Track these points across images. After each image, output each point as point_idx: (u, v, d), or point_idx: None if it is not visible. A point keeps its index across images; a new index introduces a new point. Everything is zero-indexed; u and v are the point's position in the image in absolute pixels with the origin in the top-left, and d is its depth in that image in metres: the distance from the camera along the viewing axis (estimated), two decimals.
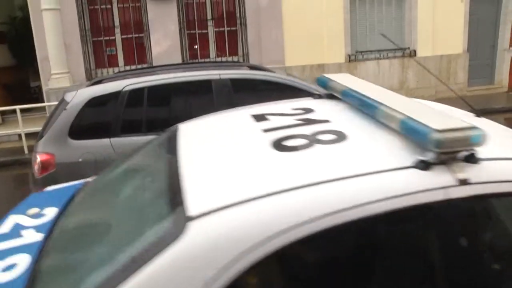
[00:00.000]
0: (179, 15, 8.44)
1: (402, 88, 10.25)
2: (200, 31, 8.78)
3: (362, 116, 1.84)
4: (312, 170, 1.41)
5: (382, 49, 10.09)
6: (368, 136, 1.67)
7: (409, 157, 1.40)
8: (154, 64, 7.97)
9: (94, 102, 3.70)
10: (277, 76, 4.04)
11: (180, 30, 8.51)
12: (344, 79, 2.24)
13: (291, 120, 1.90)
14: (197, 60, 8.61)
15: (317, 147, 1.56)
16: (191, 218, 1.24)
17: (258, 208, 1.26)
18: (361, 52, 9.91)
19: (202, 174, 1.56)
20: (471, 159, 1.37)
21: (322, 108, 2.09)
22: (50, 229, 1.94)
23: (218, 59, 8.65)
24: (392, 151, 1.50)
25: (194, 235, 1.20)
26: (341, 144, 1.58)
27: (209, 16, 8.79)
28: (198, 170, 1.61)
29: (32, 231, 1.96)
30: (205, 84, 3.83)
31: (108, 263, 1.34)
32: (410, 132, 1.45)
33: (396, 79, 10.24)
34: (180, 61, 8.37)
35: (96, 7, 8.25)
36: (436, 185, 1.32)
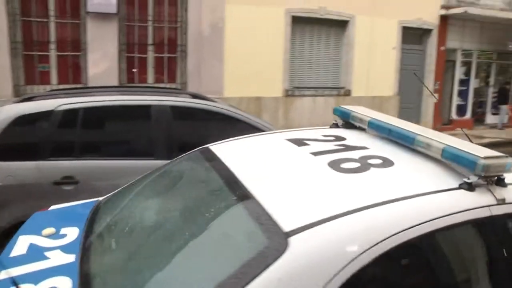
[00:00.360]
0: (119, 37, 8.32)
1: None
2: (139, 55, 8.68)
3: (393, 143, 2.11)
4: (382, 190, 1.60)
5: (318, 86, 10.62)
6: (410, 161, 1.91)
7: (454, 180, 1.66)
8: (90, 85, 7.76)
9: (22, 121, 3.43)
10: (220, 107, 3.99)
11: (119, 52, 8.36)
12: (362, 111, 2.50)
13: (330, 146, 2.11)
14: (135, 84, 8.47)
15: (372, 170, 1.77)
16: (291, 234, 1.35)
17: (349, 222, 1.40)
18: (298, 88, 10.34)
19: (276, 193, 1.67)
20: (501, 182, 1.66)
21: (351, 136, 2.32)
22: (84, 249, 1.88)
23: (156, 85, 8.51)
24: (438, 175, 1.74)
25: (298, 248, 1.31)
26: (392, 168, 1.81)
27: (150, 41, 8.75)
28: (270, 189, 1.71)
29: (58, 252, 1.90)
30: (144, 110, 3.72)
31: (198, 281, 1.38)
32: (454, 158, 1.70)
33: (330, 116, 10.63)
34: (117, 84, 8.19)
35: (30, 19, 7.82)
36: (482, 203, 1.57)
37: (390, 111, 11.74)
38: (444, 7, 12.42)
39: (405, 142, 2.00)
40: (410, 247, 1.45)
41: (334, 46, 10.90)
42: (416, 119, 12.75)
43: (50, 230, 2.11)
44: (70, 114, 3.52)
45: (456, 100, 14.06)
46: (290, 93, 10.14)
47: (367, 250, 1.33)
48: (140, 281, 1.54)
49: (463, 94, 14.34)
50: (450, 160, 1.73)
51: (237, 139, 2.51)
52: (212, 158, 2.19)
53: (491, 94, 15.32)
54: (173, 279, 1.50)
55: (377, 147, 2.07)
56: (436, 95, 12.87)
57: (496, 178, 1.64)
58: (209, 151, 2.33)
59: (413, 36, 12.27)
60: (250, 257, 1.33)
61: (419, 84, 12.59)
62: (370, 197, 1.51)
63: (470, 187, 1.59)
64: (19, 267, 1.79)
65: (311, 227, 1.36)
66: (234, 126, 3.87)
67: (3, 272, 1.70)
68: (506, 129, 14.83)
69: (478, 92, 15.07)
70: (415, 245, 1.48)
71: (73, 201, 2.97)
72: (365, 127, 2.35)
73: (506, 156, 1.62)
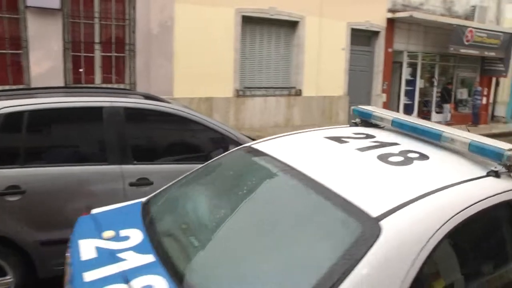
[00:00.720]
0: (64, 34, 8.06)
1: (288, 125, 11.02)
2: (86, 54, 8.47)
3: (417, 139, 2.37)
4: (433, 178, 1.88)
5: (269, 86, 10.82)
6: (440, 155, 2.18)
7: (481, 169, 1.97)
8: (33, 85, 7.47)
9: None
10: (175, 108, 3.84)
11: (64, 50, 8.11)
12: (380, 110, 2.76)
13: (367, 143, 2.33)
14: (83, 85, 8.18)
15: (415, 162, 2.04)
16: (380, 218, 1.57)
17: (424, 204, 1.66)
18: (249, 88, 10.50)
19: (346, 184, 1.87)
20: None
21: (378, 134, 2.54)
22: (161, 248, 1.93)
23: (105, 86, 8.25)
24: (467, 165, 2.04)
25: (390, 231, 1.53)
26: (429, 161, 2.08)
27: (96, 39, 8.56)
28: (339, 181, 1.90)
29: (132, 253, 1.93)
30: (96, 112, 3.49)
31: (305, 268, 1.55)
32: (480, 151, 2.00)
33: (281, 116, 10.99)
34: (62, 84, 7.95)
35: None
36: (509, 188, 1.87)
37: (340, 110, 12.17)
38: (390, 10, 13.02)
39: (431, 138, 2.28)
40: (469, 223, 1.71)
41: (285, 47, 11.16)
42: None
43: (110, 233, 2.13)
44: (14, 118, 3.26)
45: (403, 100, 14.78)
46: (241, 93, 10.27)
47: (442, 226, 1.59)
48: (242, 273, 1.68)
49: (409, 94, 15.10)
50: (476, 153, 2.03)
51: (276, 137, 2.65)
52: (264, 155, 2.33)
53: (435, 93, 16.20)
54: (277, 269, 1.62)
55: (407, 143, 2.32)
56: (384, 95, 13.44)
57: None
58: (255, 149, 2.47)
59: (361, 37, 12.78)
60: (351, 242, 1.53)
61: (368, 84, 13.13)
62: (428, 185, 1.78)
63: (496, 174, 1.91)
64: (99, 269, 1.83)
65: (395, 211, 1.61)
66: (190, 128, 3.89)
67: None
68: (449, 126, 15.67)
69: (424, 92, 15.92)
70: (471, 222, 1.73)
71: (19, 213, 3.09)
72: (387, 125, 2.60)
73: None
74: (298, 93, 11.24)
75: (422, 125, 2.38)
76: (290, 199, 1.98)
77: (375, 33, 12.98)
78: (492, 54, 16.17)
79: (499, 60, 16.92)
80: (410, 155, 2.12)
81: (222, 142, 3.89)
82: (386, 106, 13.63)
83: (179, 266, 1.80)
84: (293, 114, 11.24)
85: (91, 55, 8.54)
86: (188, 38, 9.28)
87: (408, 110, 15.02)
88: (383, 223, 1.55)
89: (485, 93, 17.69)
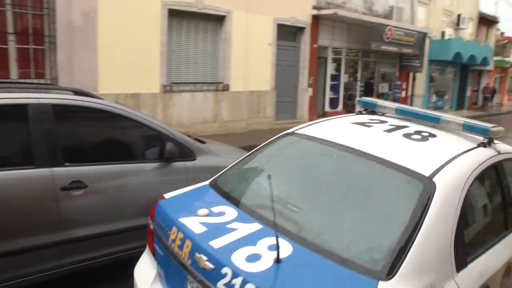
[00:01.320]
0: None
1: (216, 121, 11.25)
2: None
3: (419, 123, 3.00)
4: (449, 148, 2.57)
5: (196, 81, 10.96)
6: (442, 133, 2.83)
7: (474, 142, 2.69)
8: None
9: None
10: (107, 104, 3.69)
11: None
12: (381, 102, 3.35)
13: (386, 126, 2.90)
14: (1, 80, 7.73)
15: (430, 139, 2.67)
16: (431, 176, 2.25)
17: (456, 163, 2.37)
18: (176, 83, 10.55)
19: (393, 155, 2.45)
20: (494, 142, 2.77)
21: (388, 120, 3.10)
22: (260, 217, 2.32)
23: (27, 81, 7.68)
24: (465, 139, 2.75)
25: (441, 183, 2.21)
26: (438, 138, 2.72)
27: (10, 29, 8.07)
28: (387, 153, 2.48)
29: (238, 224, 2.28)
30: (20, 110, 3.23)
31: (388, 219, 2.16)
32: (472, 129, 2.71)
33: (209, 112, 11.17)
34: None
35: None
36: (495, 153, 2.68)
37: (267, 105, 12.60)
38: (315, 7, 13.68)
39: (431, 121, 2.93)
40: (482, 176, 2.54)
41: (212, 41, 11.34)
42: (293, 113, 13.85)
43: (204, 211, 2.44)
44: None
45: (328, 94, 15.58)
46: (168, 88, 10.29)
47: (468, 179, 2.34)
48: (341, 228, 2.20)
49: (334, 88, 15.97)
50: (468, 130, 2.75)
51: (310, 124, 3.14)
52: (317, 139, 2.84)
53: (359, 87, 17.23)
54: (368, 221, 2.18)
55: (414, 126, 2.93)
56: (310, 89, 14.07)
57: (493, 139, 2.73)
58: (304, 134, 2.96)
59: (287, 33, 13.31)
60: (419, 195, 2.16)
61: (294, 79, 13.68)
62: (448, 153, 2.47)
63: (484, 145, 2.67)
64: (220, 238, 2.15)
65: (439, 171, 2.28)
66: (124, 125, 3.79)
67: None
68: None
69: (348, 86, 16.90)
70: (480, 177, 2.53)
71: None
72: (391, 113, 3.23)
73: (499, 126, 2.72)
74: (226, 88, 11.48)
75: (422, 111, 3.05)
76: (360, 169, 2.48)
77: (301, 29, 13.56)
78: (409, 51, 17.52)
79: (415, 57, 18.41)
80: (423, 134, 2.77)
81: (158, 139, 3.89)
82: (313, 100, 14.32)
83: (290, 228, 2.21)
84: (221, 110, 11.46)
85: (5, 46, 8.04)
86: (114, 31, 9.10)
87: (333, 103, 15.86)
88: (435, 179, 2.23)
89: (404, 87, 19.11)
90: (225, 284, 1.94)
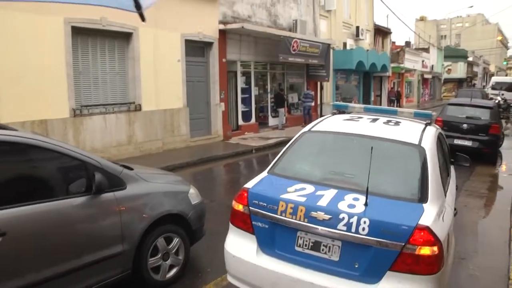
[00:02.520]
0: None
1: (131, 143, 11.17)
2: None
3: (384, 116, 4.45)
4: (415, 128, 4.05)
5: (107, 103, 10.82)
6: (403, 120, 4.30)
7: (423, 123, 4.23)
8: None
9: None
10: (22, 136, 3.41)
11: None
12: (351, 104, 4.92)
13: (366, 119, 4.27)
14: None
15: (401, 124, 4.13)
16: (419, 143, 3.70)
17: (427, 132, 3.98)
18: (86, 106, 10.30)
19: (390, 135, 3.84)
20: (432, 122, 4.46)
21: (361, 116, 4.45)
22: (330, 185, 3.46)
23: None
24: (418, 122, 4.26)
25: (425, 146, 3.69)
26: (404, 122, 4.18)
27: None
28: (386, 135, 3.85)
29: (321, 192, 3.36)
30: None
31: (406, 174, 3.57)
32: (420, 115, 4.37)
33: (123, 134, 11.07)
34: None
35: None
36: (437, 128, 4.39)
37: (181, 122, 12.72)
38: (222, 22, 14.20)
39: (391, 113, 4.57)
40: (438, 141, 4.11)
41: (120, 60, 11.27)
42: (207, 129, 14.14)
43: (292, 188, 3.44)
44: None
45: (241, 107, 16.10)
46: (78, 112, 10.00)
47: (435, 141, 3.93)
48: (384, 181, 3.46)
49: (246, 101, 16.57)
50: (418, 116, 4.38)
51: (317, 123, 4.37)
52: (328, 132, 4.16)
53: (269, 99, 17.99)
54: (393, 177, 3.56)
55: (382, 118, 4.36)
56: (222, 104, 14.45)
57: (432, 121, 4.39)
58: (315, 131, 4.23)
59: (196, 48, 13.68)
60: (419, 156, 3.56)
61: (206, 95, 13.99)
62: (417, 130, 3.95)
63: (430, 124, 4.25)
64: (319, 201, 3.23)
65: (421, 140, 3.73)
66: (43, 157, 3.52)
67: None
68: (286, 128, 17.65)
69: (259, 99, 17.60)
70: (438, 141, 4.13)
71: None
72: (360, 111, 4.75)
73: (434, 111, 4.82)
74: (138, 108, 11.43)
75: (382, 107, 4.85)
76: (375, 145, 3.54)
77: (209, 44, 13.96)
78: (315, 61, 18.73)
79: (321, 67, 19.72)
80: (393, 121, 4.21)
81: (83, 169, 3.64)
82: (226, 114, 14.72)
83: (355, 187, 3.36)
84: (135, 131, 11.37)
85: None
86: (15, 51, 8.69)
87: (246, 117, 16.43)
88: (422, 145, 3.67)
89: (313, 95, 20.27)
90: (345, 224, 3.07)
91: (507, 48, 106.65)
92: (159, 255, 4.23)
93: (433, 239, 2.92)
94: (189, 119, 13.12)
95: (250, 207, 3.45)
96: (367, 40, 28.01)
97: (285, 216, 3.25)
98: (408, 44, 41.02)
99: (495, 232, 6.32)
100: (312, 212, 3.15)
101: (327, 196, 3.28)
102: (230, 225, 3.65)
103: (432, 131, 4.02)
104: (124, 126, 11.08)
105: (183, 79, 12.88)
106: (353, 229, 3.03)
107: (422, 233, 2.91)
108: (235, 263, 3.51)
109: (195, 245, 4.74)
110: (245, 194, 3.53)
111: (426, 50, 44.64)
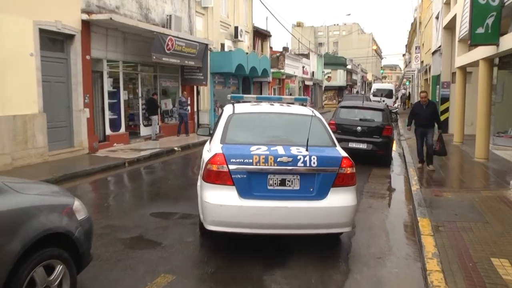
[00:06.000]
0: None
1: None
2: None
3: (274, 102, 7.04)
4: (304, 109, 6.69)
5: None
6: (290, 104, 7.03)
7: (307, 107, 7.05)
8: None
9: None
10: None
11: None
12: (246, 95, 7.44)
13: (266, 104, 6.85)
14: None
15: (293, 107, 6.77)
16: (313, 115, 6.30)
17: (316, 113, 6.59)
18: None
19: (293, 111, 6.56)
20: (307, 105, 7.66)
21: (259, 104, 6.86)
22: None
23: None
24: (299, 105, 7.10)
25: (316, 115, 6.51)
26: (293, 106, 6.87)
27: None
28: (289, 111, 6.55)
29: (276, 147, 5.44)
30: None
31: (314, 134, 5.81)
32: (298, 99, 7.25)
33: None
34: None
35: None
36: (310, 109, 6.68)
37: (37, 132, 11.67)
38: (85, 11, 13.45)
39: (278, 100, 7.19)
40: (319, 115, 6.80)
41: None
42: (70, 139, 13.35)
43: (254, 147, 5.38)
44: None
45: (108, 114, 15.37)
46: None
47: (316, 115, 6.47)
48: (297, 139, 5.66)
49: (114, 107, 15.96)
50: (297, 101, 7.16)
51: (236, 108, 6.35)
52: (249, 113, 6.37)
53: (141, 105, 17.49)
54: (306, 136, 5.48)
55: (275, 104, 6.85)
56: (87, 109, 13.65)
57: (307, 104, 7.38)
58: (238, 113, 6.18)
59: (54, 41, 12.86)
60: (316, 121, 6.11)
61: (67, 98, 13.10)
62: (307, 110, 6.50)
63: (305, 106, 7.07)
64: (279, 151, 5.31)
65: (313, 113, 6.25)
66: None
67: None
68: (160, 139, 17.33)
69: (129, 104, 17.04)
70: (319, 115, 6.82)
71: None
72: (253, 100, 7.03)
73: (307, 96, 7.42)
74: None
75: (270, 96, 7.53)
76: (288, 118, 6.35)
77: (70, 37, 13.18)
78: (192, 63, 18.79)
79: (198, 69, 19.78)
80: (286, 105, 6.78)
81: None
82: (91, 122, 13.96)
83: (287, 143, 5.60)
84: None
85: None
86: None
87: (114, 125, 15.82)
88: (316, 115, 6.30)
89: (188, 102, 20.11)
90: (302, 162, 5.20)
91: (381, 57, 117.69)
92: None
93: (351, 163, 5.46)
94: (46, 128, 12.09)
95: (228, 165, 5.16)
96: (246, 42, 28.87)
97: (259, 165, 5.18)
98: (286, 49, 43.13)
99: (402, 229, 7.23)
100: (279, 158, 5.20)
101: (280, 149, 5.34)
102: (205, 183, 5.30)
103: (310, 110, 6.46)
104: None
105: (38, 78, 11.86)
106: (308, 164, 5.24)
107: (345, 161, 5.40)
108: (220, 210, 5.15)
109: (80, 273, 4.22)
110: (221, 157, 5.23)
111: (306, 56, 47.39)
